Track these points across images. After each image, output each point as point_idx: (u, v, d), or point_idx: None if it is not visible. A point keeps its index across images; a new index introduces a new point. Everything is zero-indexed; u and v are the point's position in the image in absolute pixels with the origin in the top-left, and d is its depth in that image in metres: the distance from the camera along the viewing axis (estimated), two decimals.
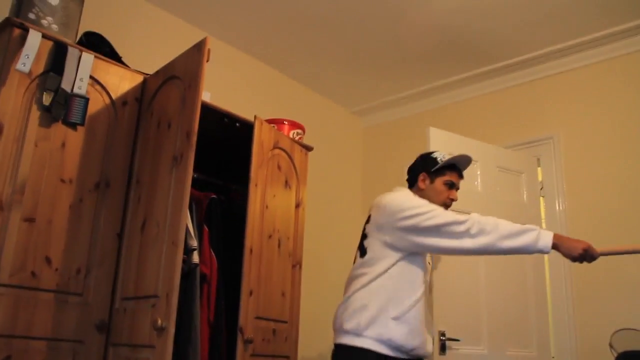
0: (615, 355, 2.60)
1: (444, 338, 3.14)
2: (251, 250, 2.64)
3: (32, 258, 2.19)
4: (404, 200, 2.32)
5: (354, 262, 2.44)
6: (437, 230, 2.19)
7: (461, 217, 2.20)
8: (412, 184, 2.58)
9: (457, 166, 2.55)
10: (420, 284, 2.29)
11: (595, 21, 3.49)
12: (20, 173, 2.20)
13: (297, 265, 3.01)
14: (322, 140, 4.35)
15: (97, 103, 2.51)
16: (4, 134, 2.18)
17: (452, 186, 2.52)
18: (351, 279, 2.38)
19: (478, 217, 2.20)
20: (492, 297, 3.47)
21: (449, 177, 2.51)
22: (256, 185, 2.74)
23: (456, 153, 2.58)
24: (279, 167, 2.97)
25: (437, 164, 2.51)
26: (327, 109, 4.64)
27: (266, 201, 2.82)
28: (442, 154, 2.56)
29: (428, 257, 2.47)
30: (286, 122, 3.26)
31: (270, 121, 3.12)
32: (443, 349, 3.17)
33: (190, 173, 2.22)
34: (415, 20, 3.55)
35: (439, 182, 2.50)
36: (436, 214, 2.21)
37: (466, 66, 4.10)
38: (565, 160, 3.70)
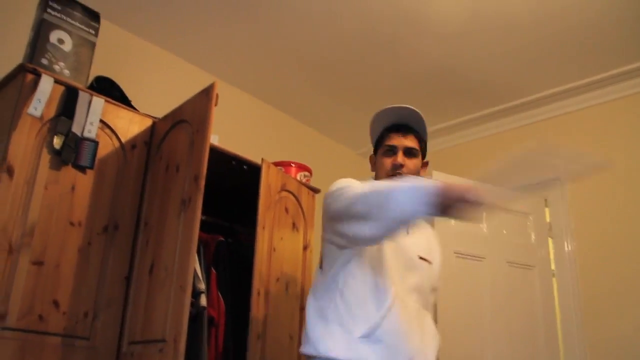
0: None
1: None
2: (259, 293, 2.63)
3: (39, 301, 2.18)
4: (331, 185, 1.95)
5: None
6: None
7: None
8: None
9: (391, 127, 2.08)
10: (387, 287, 1.81)
11: (598, 63, 3.53)
12: (30, 216, 2.22)
13: (303, 307, 2.98)
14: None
15: (106, 146, 2.53)
16: (15, 177, 2.20)
17: (393, 150, 2.04)
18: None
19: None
20: (497, 325, 3.42)
21: (386, 142, 2.06)
22: (263, 228, 2.74)
23: None
24: (286, 210, 2.97)
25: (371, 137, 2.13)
26: (334, 150, 4.67)
27: (274, 244, 2.81)
28: (377, 125, 2.14)
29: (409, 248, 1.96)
30: (293, 165, 3.28)
31: (277, 163, 3.14)
32: None
33: (198, 217, 2.22)
34: (419, 63, 3.60)
35: (380, 154, 2.09)
36: (340, 195, 1.79)
37: (470, 108, 4.14)
38: (572, 200, 3.69)
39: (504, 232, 3.64)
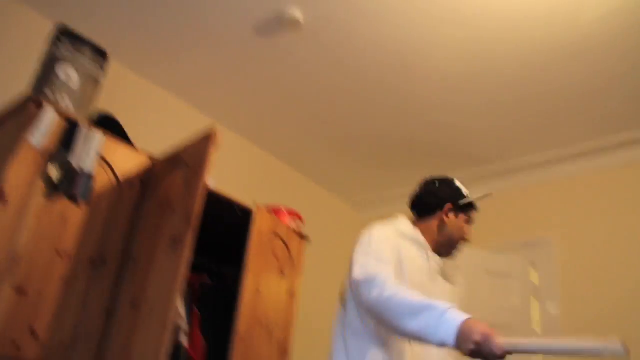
0: None
1: None
2: (240, 336, 2.63)
3: (18, 329, 2.18)
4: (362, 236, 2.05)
5: None
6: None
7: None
8: (427, 212, 2.17)
9: (476, 206, 2.23)
10: (393, 342, 1.84)
11: (592, 130, 3.61)
12: (18, 243, 2.24)
13: (285, 353, 2.98)
14: (320, 231, 4.39)
15: (102, 181, 2.57)
16: (8, 204, 2.23)
17: (471, 223, 2.21)
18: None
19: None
20: None
21: (472, 213, 2.20)
22: (251, 271, 2.76)
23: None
24: (275, 255, 2.99)
25: (464, 197, 2.19)
26: (326, 200, 4.72)
27: (259, 288, 2.83)
28: (464, 188, 2.25)
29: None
30: (285, 211, 3.32)
31: (269, 209, 3.18)
32: None
33: (187, 257, 2.24)
34: (411, 118, 3.69)
35: (463, 218, 2.16)
36: (369, 287, 1.76)
37: (462, 167, 4.21)
38: (560, 263, 3.72)
39: (486, 293, 3.70)
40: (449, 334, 1.50)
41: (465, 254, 3.67)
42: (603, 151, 3.74)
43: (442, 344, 1.52)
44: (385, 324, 1.71)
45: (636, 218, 3.51)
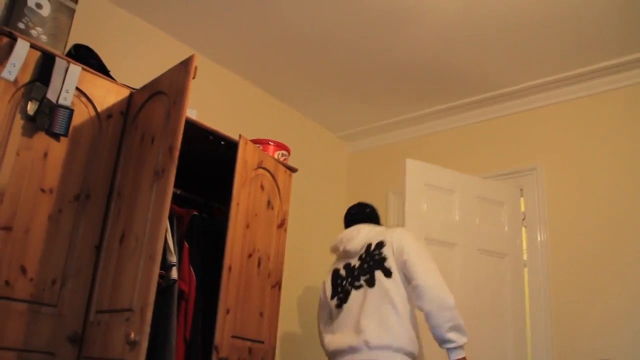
0: None
1: None
2: (230, 269, 2.63)
3: (6, 267, 2.17)
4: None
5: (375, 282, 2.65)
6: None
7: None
8: (379, 223, 3.04)
9: None
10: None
11: (578, 57, 3.55)
12: (0, 181, 2.20)
13: (276, 285, 3.00)
14: (308, 163, 4.37)
15: (82, 115, 2.51)
16: None
17: None
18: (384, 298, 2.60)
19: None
20: (467, 311, 3.43)
21: None
22: (238, 204, 2.74)
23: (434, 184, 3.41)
24: (262, 187, 2.97)
25: None
26: (313, 132, 4.67)
27: (247, 220, 2.82)
28: None
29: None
30: (271, 143, 3.28)
31: (255, 141, 3.13)
32: None
33: (171, 187, 2.21)
34: (402, 50, 3.61)
35: None
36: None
37: (451, 97, 4.16)
38: (547, 191, 3.74)
39: (477, 220, 3.69)
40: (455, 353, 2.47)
41: (459, 179, 3.69)
42: (587, 78, 3.69)
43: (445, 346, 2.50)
44: (433, 315, 2.48)
45: (621, 143, 3.50)
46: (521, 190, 3.87)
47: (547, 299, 3.52)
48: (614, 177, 3.47)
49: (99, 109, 2.57)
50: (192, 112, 2.85)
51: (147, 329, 2.01)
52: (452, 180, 3.71)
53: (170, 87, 2.46)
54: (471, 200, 3.72)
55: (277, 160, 3.18)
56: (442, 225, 3.59)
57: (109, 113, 2.61)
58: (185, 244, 2.82)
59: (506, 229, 3.78)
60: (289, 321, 3.77)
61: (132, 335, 2.02)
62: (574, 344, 3.33)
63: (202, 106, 3.30)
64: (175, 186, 2.91)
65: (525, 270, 3.75)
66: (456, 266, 3.54)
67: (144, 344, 1.99)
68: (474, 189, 3.75)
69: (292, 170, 3.27)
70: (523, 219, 3.80)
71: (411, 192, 3.55)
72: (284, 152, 3.32)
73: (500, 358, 3.48)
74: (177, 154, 2.24)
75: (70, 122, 2.43)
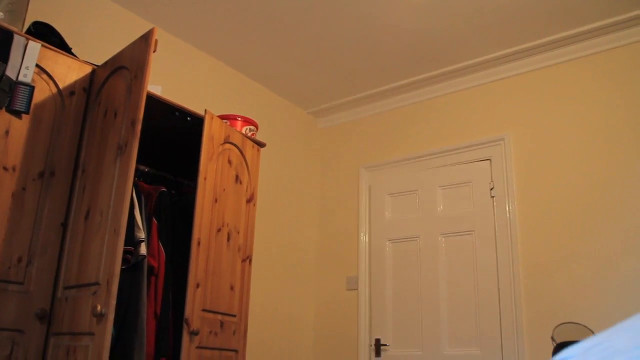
0: (554, 346, 2.67)
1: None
2: (199, 243, 2.65)
3: None
4: None
5: None
6: None
7: None
8: None
9: None
10: None
11: (545, 26, 3.59)
12: None
13: (247, 259, 3.02)
14: (279, 140, 4.37)
15: (43, 92, 2.49)
16: None
17: None
18: None
19: None
20: (443, 294, 3.75)
21: None
22: (205, 178, 2.75)
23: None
24: (229, 162, 2.98)
25: None
26: (283, 108, 4.67)
27: (215, 195, 2.82)
28: None
29: None
30: (239, 118, 3.27)
31: (222, 117, 3.13)
32: (378, 352, 3.86)
33: (134, 161, 2.22)
34: (371, 24, 3.61)
35: None
36: None
37: (419, 69, 4.18)
38: (515, 162, 3.78)
39: (439, 208, 3.99)
40: None
41: (421, 177, 4.10)
42: (554, 47, 3.74)
43: None
44: None
45: (589, 112, 3.55)
46: (490, 160, 3.92)
47: (516, 267, 3.58)
48: (582, 146, 3.53)
49: (60, 86, 2.55)
50: (156, 88, 2.84)
51: (114, 301, 2.03)
52: (414, 179, 4.13)
53: (131, 61, 2.45)
54: (434, 191, 4.04)
55: (245, 135, 3.18)
56: (403, 224, 4.09)
57: (71, 90, 2.59)
58: (154, 220, 2.83)
59: (473, 206, 3.86)
60: (260, 295, 3.79)
61: (99, 307, 2.03)
62: (542, 308, 3.40)
63: (168, 84, 3.28)
64: (144, 164, 2.94)
65: (495, 241, 3.81)
66: (422, 256, 3.97)
67: (111, 316, 2.01)
68: (437, 180, 4.07)
69: (260, 145, 3.27)
70: (491, 189, 3.85)
71: (377, 203, 4.21)
72: (252, 127, 3.32)
73: (474, 326, 3.59)
74: (139, 127, 2.24)
75: (31, 99, 2.41)
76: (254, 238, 3.12)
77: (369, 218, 4.32)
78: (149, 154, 2.99)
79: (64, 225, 2.45)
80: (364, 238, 4.30)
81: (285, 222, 4.36)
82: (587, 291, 3.26)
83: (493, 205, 3.82)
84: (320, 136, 4.93)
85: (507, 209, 3.74)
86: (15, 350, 2.22)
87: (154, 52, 2.37)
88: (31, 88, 2.42)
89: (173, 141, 3.07)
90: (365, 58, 4.04)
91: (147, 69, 2.32)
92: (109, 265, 2.11)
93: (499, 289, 3.65)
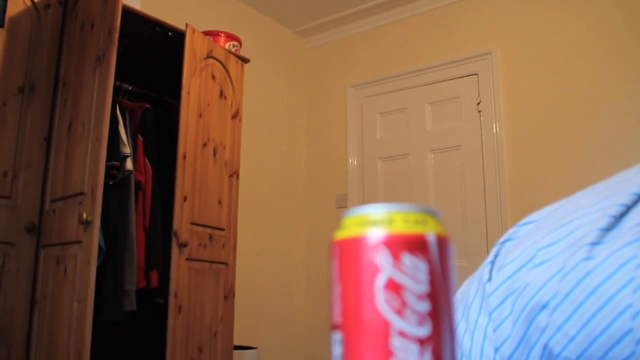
0: None
1: None
2: (185, 157, 2.65)
3: None
4: None
5: None
6: None
7: None
8: None
9: None
10: None
11: None
12: None
13: (234, 174, 3.03)
14: (265, 60, 4.32)
15: (17, 6, 2.44)
16: None
17: None
18: None
19: None
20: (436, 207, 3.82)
21: None
22: (188, 92, 2.73)
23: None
24: (213, 77, 2.95)
25: None
26: (268, 28, 4.57)
27: (200, 110, 2.81)
28: None
29: None
30: (222, 34, 3.22)
31: (205, 33, 3.07)
32: None
33: (112, 69, 2.20)
34: None
35: None
36: None
37: None
38: (502, 77, 3.75)
39: (428, 125, 3.99)
40: None
41: (408, 94, 4.05)
42: None
43: None
44: None
45: (577, 25, 3.50)
46: (477, 75, 3.89)
47: (502, 180, 3.62)
48: (570, 60, 3.49)
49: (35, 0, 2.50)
50: (135, 2, 2.78)
51: (99, 209, 2.05)
52: (402, 97, 4.11)
53: None
54: (423, 108, 4.03)
55: (229, 51, 3.14)
56: (393, 142, 4.10)
57: (46, 3, 2.54)
58: (139, 136, 2.83)
59: (461, 120, 3.86)
60: (248, 210, 3.83)
61: (85, 215, 2.05)
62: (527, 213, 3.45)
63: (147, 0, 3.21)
64: (127, 82, 2.91)
65: (482, 155, 3.83)
66: (412, 172, 4.00)
67: (97, 223, 2.03)
68: (425, 97, 4.05)
69: (244, 60, 3.23)
70: (478, 103, 3.84)
71: (366, 122, 4.22)
72: (235, 42, 3.27)
73: (462, 239, 3.67)
74: (116, 35, 2.21)
75: (5, 12, 2.37)
76: (241, 155, 3.13)
77: (360, 137, 4.32)
78: (133, 72, 2.97)
79: (48, 141, 2.45)
80: (352, 157, 4.32)
81: (273, 141, 4.36)
82: None
83: (480, 120, 3.82)
84: (307, 56, 4.87)
85: (494, 123, 3.75)
86: (7, 262, 2.26)
87: None
88: (4, 1, 2.37)
89: (156, 59, 3.03)
90: None
91: None
92: (93, 174, 2.12)
93: (485, 203, 3.70)
